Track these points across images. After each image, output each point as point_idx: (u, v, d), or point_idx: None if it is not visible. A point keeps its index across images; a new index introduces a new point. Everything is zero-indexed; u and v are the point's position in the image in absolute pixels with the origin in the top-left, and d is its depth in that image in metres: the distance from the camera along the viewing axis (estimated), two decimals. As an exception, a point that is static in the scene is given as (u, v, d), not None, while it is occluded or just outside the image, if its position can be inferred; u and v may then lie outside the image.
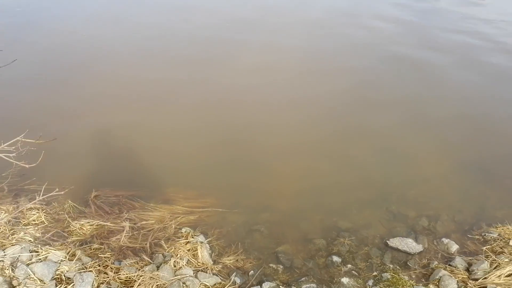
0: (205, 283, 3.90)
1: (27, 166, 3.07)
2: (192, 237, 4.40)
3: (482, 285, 3.97)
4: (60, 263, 3.92)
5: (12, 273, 3.71)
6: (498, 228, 4.78)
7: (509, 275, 3.98)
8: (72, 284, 3.67)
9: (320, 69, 8.00)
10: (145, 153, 5.66)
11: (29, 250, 4.03)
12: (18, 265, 3.79)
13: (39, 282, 3.70)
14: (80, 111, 6.44)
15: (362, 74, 7.87)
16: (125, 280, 3.81)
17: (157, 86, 7.16)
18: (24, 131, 3.31)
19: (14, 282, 3.64)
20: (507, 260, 4.18)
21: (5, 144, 2.91)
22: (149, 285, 3.73)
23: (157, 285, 3.76)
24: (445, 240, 4.62)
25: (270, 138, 6.05)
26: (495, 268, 4.13)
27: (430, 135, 6.39)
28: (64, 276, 3.78)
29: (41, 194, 3.64)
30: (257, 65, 7.84)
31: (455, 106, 7.09)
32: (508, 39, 9.65)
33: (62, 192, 3.73)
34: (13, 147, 3.02)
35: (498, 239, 4.62)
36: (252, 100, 6.94)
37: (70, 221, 4.48)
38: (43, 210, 4.65)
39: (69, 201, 4.76)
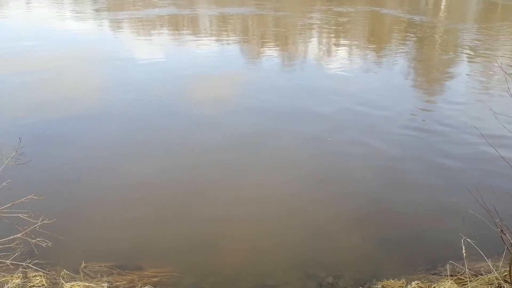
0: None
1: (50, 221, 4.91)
2: (154, 292, 6.03)
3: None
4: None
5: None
6: (383, 282, 6.45)
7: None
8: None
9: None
10: (125, 240, 7.43)
11: (34, 303, 5.61)
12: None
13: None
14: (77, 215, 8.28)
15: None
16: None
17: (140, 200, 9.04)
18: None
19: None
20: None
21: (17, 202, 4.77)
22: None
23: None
24: (342, 291, 6.28)
25: (222, 224, 7.89)
26: (370, 306, 5.76)
27: (347, 218, 8.27)
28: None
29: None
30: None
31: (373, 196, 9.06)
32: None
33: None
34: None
35: (381, 289, 6.30)
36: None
37: (64, 282, 6.10)
38: (44, 276, 6.27)
39: (64, 270, 6.41)
